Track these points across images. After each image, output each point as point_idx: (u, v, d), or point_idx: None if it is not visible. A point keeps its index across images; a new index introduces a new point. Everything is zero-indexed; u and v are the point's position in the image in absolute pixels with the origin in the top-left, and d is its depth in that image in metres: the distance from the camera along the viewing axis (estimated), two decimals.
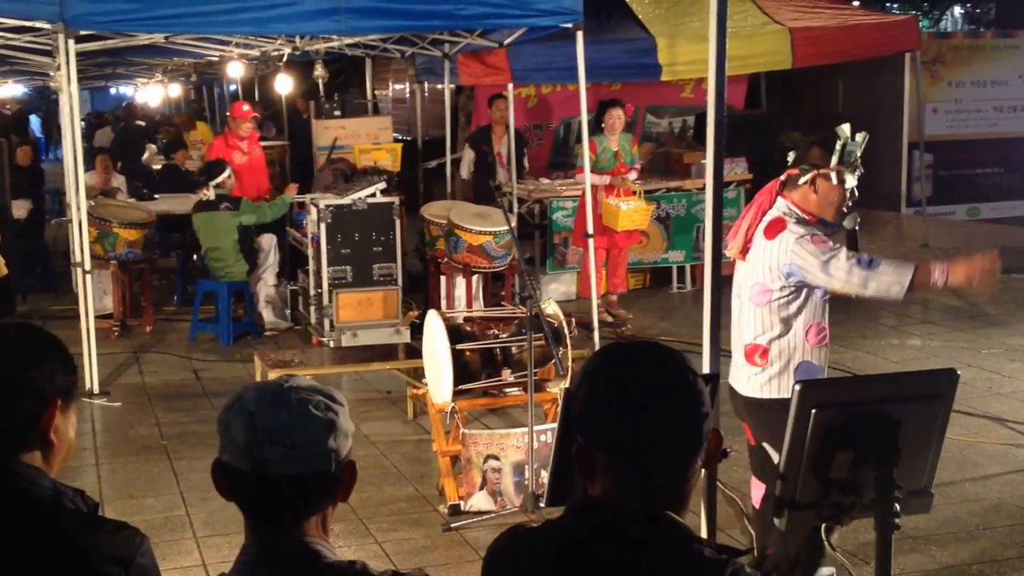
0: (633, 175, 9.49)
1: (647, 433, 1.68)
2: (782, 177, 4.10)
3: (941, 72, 13.71)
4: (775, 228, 4.00)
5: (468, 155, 10.51)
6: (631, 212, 9.22)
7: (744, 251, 4.09)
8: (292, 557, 1.81)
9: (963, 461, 6.00)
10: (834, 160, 4.00)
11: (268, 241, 9.34)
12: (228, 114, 10.51)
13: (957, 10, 28.72)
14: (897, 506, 2.50)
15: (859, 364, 8.02)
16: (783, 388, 4.00)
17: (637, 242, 9.88)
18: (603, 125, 9.30)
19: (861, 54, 11.04)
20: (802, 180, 4.03)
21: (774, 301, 4.01)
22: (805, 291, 4.00)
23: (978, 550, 4.95)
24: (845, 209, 4.08)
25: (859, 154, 4.04)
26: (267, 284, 9.28)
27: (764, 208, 4.09)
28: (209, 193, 9.12)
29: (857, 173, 4.05)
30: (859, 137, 4.03)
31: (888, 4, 23.99)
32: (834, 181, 4.00)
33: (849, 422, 2.47)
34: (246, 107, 10.43)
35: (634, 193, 9.40)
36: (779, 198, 4.08)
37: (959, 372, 2.74)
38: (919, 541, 5.00)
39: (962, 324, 9.19)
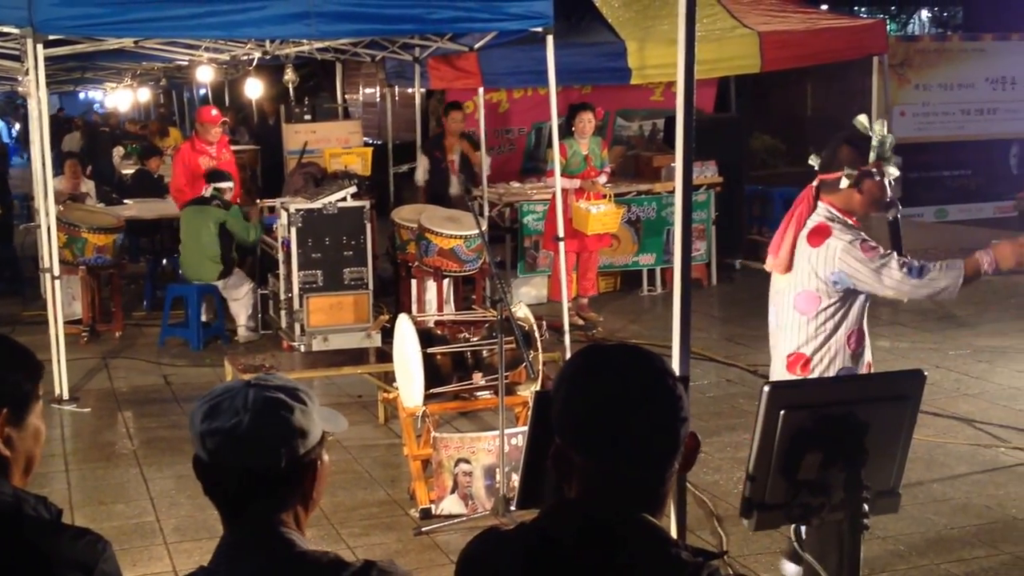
0: (603, 179, 9.52)
1: (625, 436, 1.68)
2: (814, 183, 4.02)
3: (908, 75, 13.83)
4: (820, 235, 3.91)
5: (423, 162, 10.45)
6: (601, 216, 9.25)
7: (787, 266, 4.00)
8: (264, 545, 1.83)
9: (931, 461, 6.05)
10: (872, 156, 3.92)
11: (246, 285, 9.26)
12: (197, 118, 10.44)
13: (924, 14, 28.99)
14: (865, 506, 2.52)
15: None
16: None
17: (608, 245, 9.91)
18: (573, 129, 9.31)
19: (829, 58, 11.12)
20: (845, 184, 3.93)
21: (822, 311, 3.96)
22: (850, 298, 3.97)
23: (946, 550, 4.99)
24: (887, 199, 4.02)
25: (889, 145, 3.97)
26: (247, 304, 9.18)
27: (804, 216, 4.01)
28: (207, 190, 9.09)
29: (896, 161, 4.00)
30: (878, 127, 3.96)
31: (856, 8, 24.17)
32: (877, 177, 3.93)
33: (818, 423, 2.50)
34: (214, 111, 10.34)
35: (604, 196, 9.42)
36: (819, 203, 3.99)
37: (927, 373, 2.77)
38: (888, 541, 5.04)
39: (930, 326, 9.27)
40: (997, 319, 9.35)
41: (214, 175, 9.23)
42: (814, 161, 4.06)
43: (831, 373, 4.02)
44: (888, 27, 14.43)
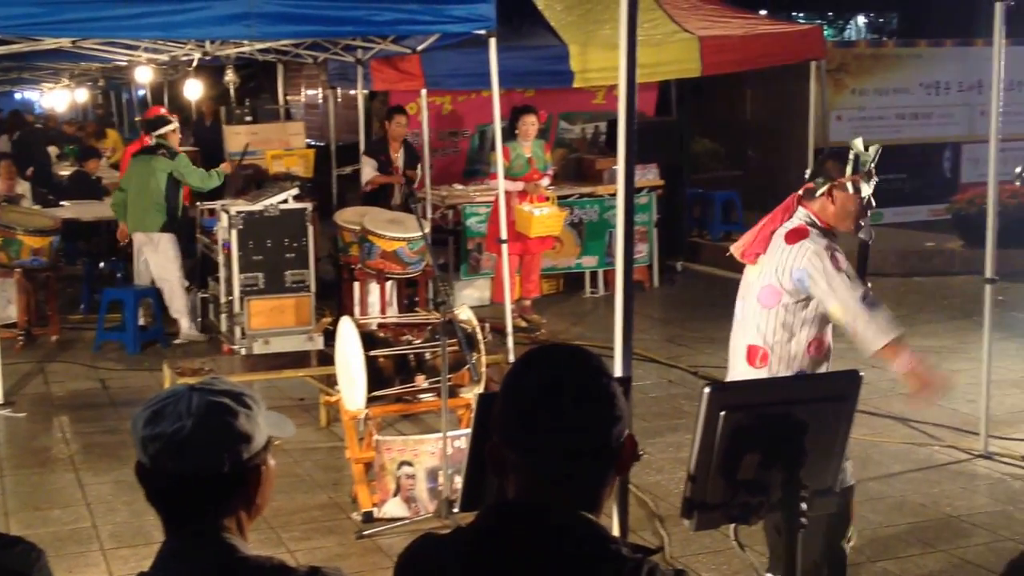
0: (546, 181, 9.56)
1: (556, 434, 1.70)
2: (799, 192, 4.14)
3: (845, 80, 14.03)
4: (797, 235, 4.03)
5: (370, 163, 10.25)
6: (544, 218, 9.28)
7: (754, 255, 4.10)
8: (206, 551, 1.82)
9: (867, 460, 6.15)
10: (848, 170, 4.06)
11: (167, 241, 9.14)
12: (143, 118, 10.36)
13: (861, 19, 29.43)
14: (803, 505, 2.56)
15: None
16: None
17: (550, 247, 9.94)
18: (516, 132, 9.35)
19: (768, 62, 11.25)
20: (819, 192, 4.07)
21: (782, 305, 4.04)
22: (815, 303, 4.02)
23: (881, 547, 5.08)
24: (862, 222, 4.14)
25: (872, 164, 4.11)
26: (180, 291, 9.09)
27: (780, 217, 4.12)
28: (150, 140, 9.05)
29: (872, 182, 4.11)
30: (872, 149, 4.11)
31: (794, 13, 24.47)
32: (850, 190, 4.05)
33: (756, 424, 2.53)
34: (162, 111, 10.31)
35: (547, 199, 9.46)
36: (799, 207, 4.11)
37: (863, 374, 2.82)
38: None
39: None
40: (931, 320, 9.53)
41: (152, 123, 9.19)
42: (807, 172, 4.19)
43: (787, 373, 4.08)
44: (825, 32, 14.61)
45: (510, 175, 9.13)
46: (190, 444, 1.80)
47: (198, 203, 9.98)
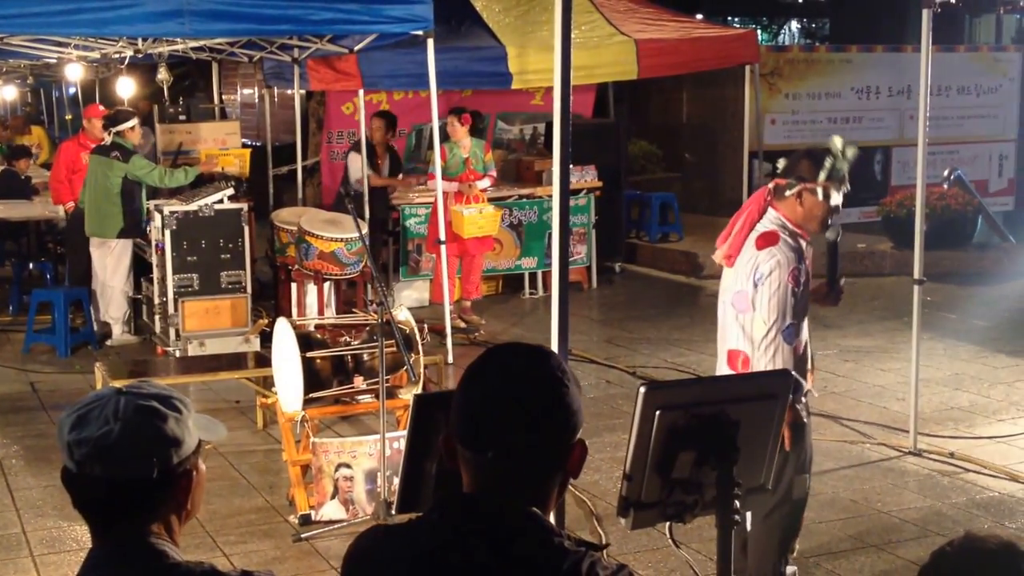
0: (486, 182, 9.56)
1: (506, 430, 1.72)
2: (770, 185, 4.09)
3: (779, 84, 14.21)
4: (768, 240, 4.00)
5: (355, 162, 9.93)
6: (475, 218, 9.31)
7: (731, 257, 4.07)
8: (135, 557, 1.79)
9: None
10: (822, 176, 3.98)
11: (121, 246, 8.98)
12: (84, 115, 10.20)
13: (794, 25, 29.84)
14: (737, 503, 2.60)
15: (704, 367, 8.25)
16: None
17: (490, 249, 9.95)
18: (447, 132, 9.45)
19: (703, 66, 11.37)
20: (789, 192, 4.01)
21: (748, 310, 4.00)
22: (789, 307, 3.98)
23: (814, 543, 5.15)
24: (830, 221, 4.09)
25: (847, 170, 4.04)
26: (119, 299, 8.93)
27: (753, 218, 4.06)
28: (107, 138, 8.83)
29: (843, 190, 4.06)
30: (850, 152, 4.03)
31: (729, 18, 24.75)
32: (820, 196, 3.99)
33: (691, 423, 2.56)
34: (102, 107, 10.16)
35: (479, 199, 9.49)
36: (769, 208, 4.05)
37: (795, 373, 2.86)
38: None
39: None
40: (862, 320, 9.69)
41: (112, 119, 8.98)
42: (781, 164, 4.12)
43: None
44: (759, 37, 14.80)
45: (447, 175, 9.13)
46: (118, 448, 1.78)
47: None
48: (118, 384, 1.91)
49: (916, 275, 6.35)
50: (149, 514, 1.82)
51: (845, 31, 21.46)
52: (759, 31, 19.93)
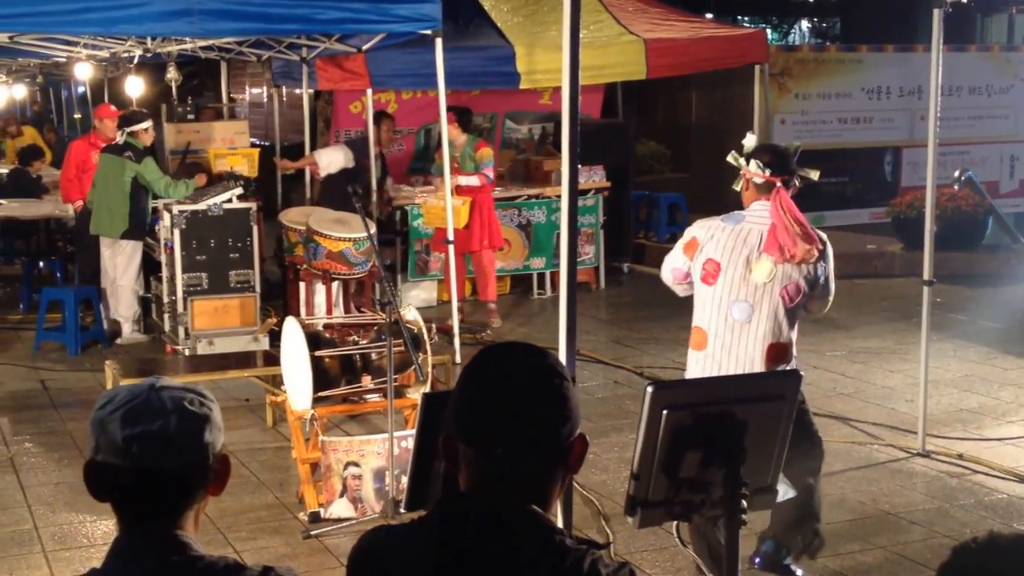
0: (471, 179, 9.47)
1: (505, 431, 1.73)
2: (778, 183, 4.31)
3: (788, 84, 14.19)
4: (813, 239, 4.29)
5: (345, 154, 9.91)
6: (436, 209, 9.25)
7: (786, 248, 4.24)
8: (161, 548, 1.82)
9: None
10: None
11: (131, 246, 9.01)
12: (95, 115, 10.23)
13: (804, 24, 29.78)
14: (744, 503, 2.60)
15: None
16: None
17: (496, 248, 9.90)
18: None
19: (712, 65, 11.35)
20: (792, 186, 4.38)
21: (801, 300, 4.31)
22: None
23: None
24: None
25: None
26: (129, 298, 8.96)
27: (795, 214, 4.30)
28: (120, 137, 8.87)
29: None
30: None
31: (739, 17, 24.72)
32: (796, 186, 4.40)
33: (698, 422, 2.56)
34: (113, 107, 10.19)
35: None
36: (787, 200, 4.31)
37: (803, 373, 2.87)
38: None
39: (807, 327, 9.48)
40: (871, 321, 9.68)
41: (126, 119, 9.02)
42: (761, 162, 4.37)
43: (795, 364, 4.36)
44: (769, 37, 14.78)
45: (439, 174, 9.23)
46: (177, 439, 1.81)
47: None
48: (129, 383, 1.93)
49: (926, 276, 6.34)
50: (186, 502, 1.86)
51: (856, 31, 21.41)
52: (769, 31, 19.91)
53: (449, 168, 9.31)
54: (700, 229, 4.37)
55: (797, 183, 4.37)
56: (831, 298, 4.44)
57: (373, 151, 9.92)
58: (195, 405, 1.84)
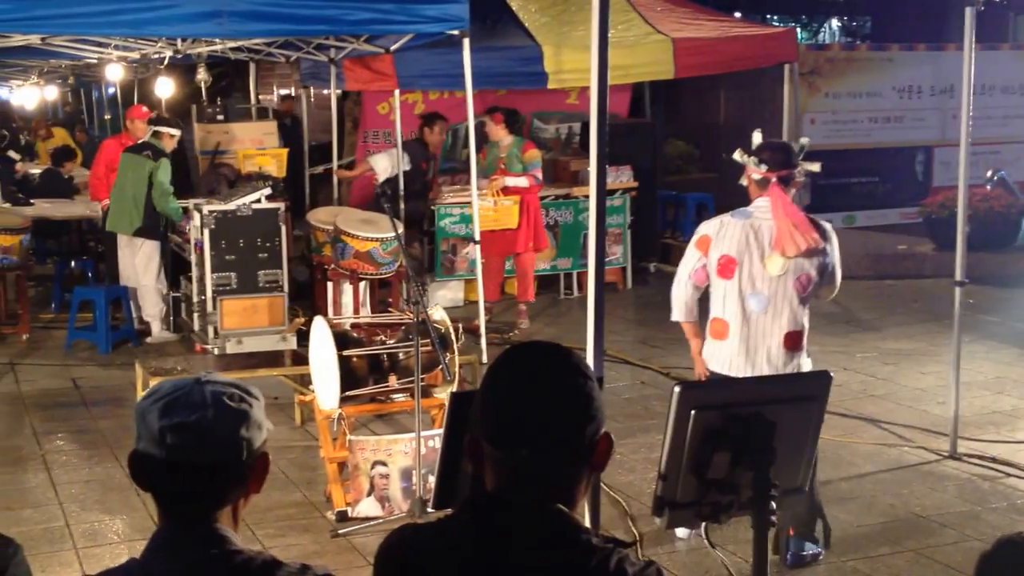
0: (520, 180, 9.45)
1: (530, 431, 1.73)
2: (774, 180, 4.58)
3: (818, 83, 14.11)
4: (816, 223, 4.60)
5: (401, 165, 9.88)
6: (487, 210, 9.26)
7: (792, 243, 4.49)
8: (200, 541, 1.83)
9: (838, 460, 6.19)
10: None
11: (150, 246, 9.08)
12: (127, 116, 10.34)
13: (834, 23, 29.59)
14: (773, 504, 2.58)
15: None
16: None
17: (525, 249, 9.83)
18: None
19: (741, 65, 11.29)
20: (793, 180, 4.65)
21: (813, 289, 4.62)
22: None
23: (852, 546, 5.11)
24: None
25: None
26: (154, 297, 9.03)
27: (787, 208, 4.56)
28: (146, 135, 9.00)
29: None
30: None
31: (768, 16, 24.59)
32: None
33: (727, 423, 2.54)
34: (145, 108, 10.29)
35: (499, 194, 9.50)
36: (786, 196, 4.55)
37: (833, 375, 2.84)
38: None
39: (837, 329, 9.48)
40: (902, 323, 9.60)
41: (158, 120, 9.14)
42: (753, 158, 4.67)
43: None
44: (799, 36, 14.70)
45: (484, 175, 9.24)
46: (213, 432, 1.83)
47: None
48: (158, 381, 1.93)
49: (958, 277, 6.28)
50: (224, 497, 1.87)
51: (887, 29, 21.27)
52: (798, 29, 19.76)
53: (495, 168, 9.34)
54: (710, 226, 4.68)
55: (799, 178, 4.63)
56: (838, 284, 4.70)
57: (429, 152, 9.92)
58: (235, 400, 1.86)
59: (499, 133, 9.43)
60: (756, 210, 4.60)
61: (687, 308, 4.77)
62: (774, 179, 4.56)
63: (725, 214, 4.69)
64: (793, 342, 4.56)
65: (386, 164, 9.87)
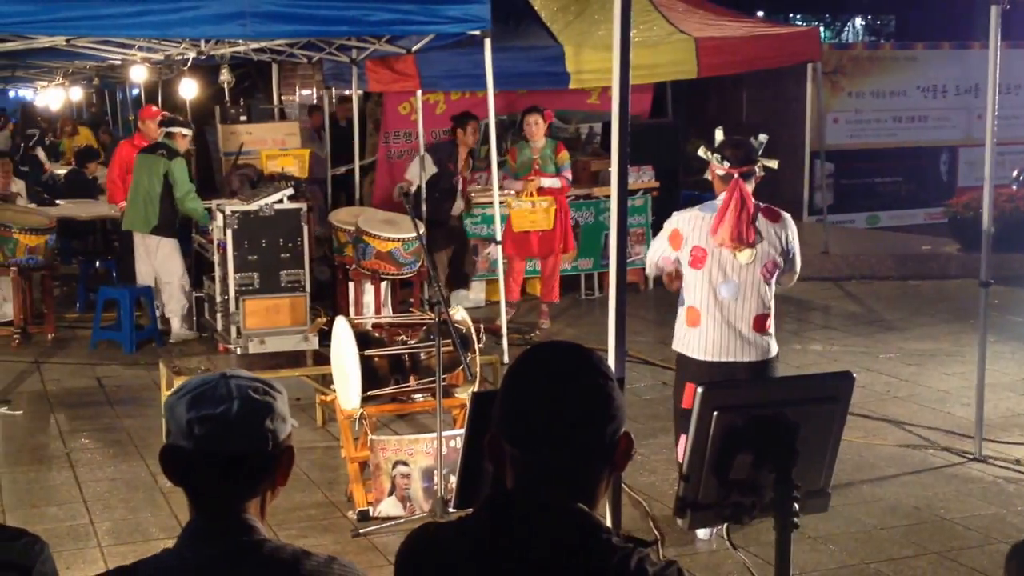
0: (554, 181, 9.38)
1: (549, 430, 1.74)
2: (736, 175, 4.87)
3: (842, 82, 14.05)
4: (775, 212, 4.95)
5: (429, 169, 9.76)
6: (525, 212, 9.24)
7: (738, 239, 4.79)
8: (230, 530, 1.87)
9: (861, 462, 6.16)
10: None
11: (169, 245, 9.12)
12: (138, 117, 10.40)
13: (858, 22, 29.44)
14: (796, 506, 2.57)
15: None
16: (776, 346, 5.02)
17: (549, 253, 9.71)
18: (523, 132, 9.33)
19: (764, 64, 11.26)
20: (754, 175, 4.96)
21: (777, 275, 4.94)
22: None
23: (875, 549, 5.08)
24: None
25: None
26: (178, 294, 9.08)
27: (748, 204, 4.82)
28: (159, 135, 9.07)
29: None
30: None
31: (791, 15, 24.50)
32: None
33: (749, 424, 2.53)
34: (155, 108, 10.34)
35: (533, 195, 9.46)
36: (746, 188, 4.84)
37: (856, 376, 2.83)
38: (818, 541, 5.12)
39: (861, 329, 9.43)
40: (927, 323, 9.54)
41: (170, 121, 9.21)
42: (722, 153, 4.99)
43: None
44: (822, 35, 14.63)
45: (515, 176, 9.26)
46: (238, 424, 1.86)
47: None
48: (182, 380, 1.96)
49: (983, 278, 6.23)
50: (252, 488, 1.91)
51: (911, 28, 21.16)
52: (821, 28, 19.68)
53: (528, 170, 9.25)
54: (681, 221, 4.97)
55: (759, 172, 4.95)
56: (798, 270, 5.04)
57: (461, 152, 9.81)
58: (259, 393, 1.90)
59: (538, 133, 9.29)
60: (714, 203, 4.92)
61: (657, 270, 5.19)
62: (736, 175, 4.85)
63: (695, 208, 4.99)
64: (761, 324, 4.89)
65: (415, 171, 9.83)
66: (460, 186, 9.86)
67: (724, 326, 4.84)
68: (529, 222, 9.28)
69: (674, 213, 5.07)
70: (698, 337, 4.89)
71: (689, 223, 4.92)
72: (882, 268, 11.62)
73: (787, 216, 4.99)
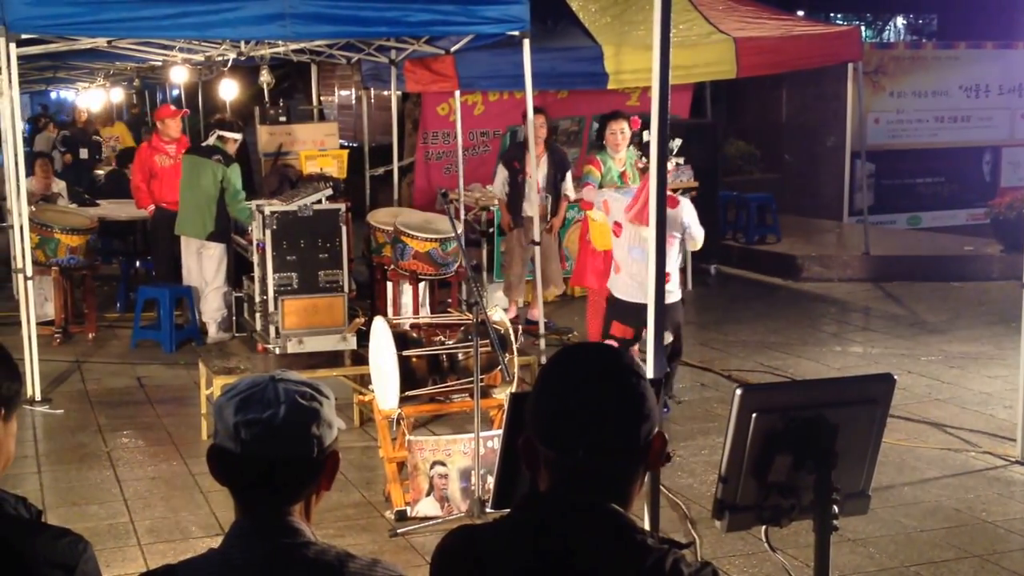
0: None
1: (584, 430, 1.74)
2: (640, 165, 7.04)
3: (883, 82, 13.92)
4: (674, 200, 6.56)
5: (501, 174, 9.43)
6: (604, 229, 7.68)
7: (640, 219, 6.37)
8: (276, 532, 1.88)
9: (902, 465, 6.10)
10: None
11: (219, 250, 9.19)
12: (155, 117, 10.45)
13: (900, 21, 29.16)
14: (835, 508, 2.54)
15: (800, 370, 8.13)
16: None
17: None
18: (604, 142, 8.47)
19: (804, 64, 11.19)
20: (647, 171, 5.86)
21: (680, 245, 6.78)
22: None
23: (916, 552, 5.04)
24: None
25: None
26: (219, 301, 9.15)
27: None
28: (210, 139, 9.10)
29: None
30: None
31: (831, 15, 24.30)
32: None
33: (788, 426, 2.51)
34: (172, 107, 10.38)
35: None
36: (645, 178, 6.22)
37: (897, 378, 2.80)
38: (858, 543, 5.08)
39: (902, 331, 9.34)
40: (969, 326, 9.43)
41: (221, 123, 9.24)
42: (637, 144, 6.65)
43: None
44: (863, 34, 14.51)
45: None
46: (285, 428, 1.87)
47: None
48: (221, 380, 1.97)
49: None
50: (297, 492, 1.91)
51: (953, 27, 20.94)
52: (863, 28, 19.50)
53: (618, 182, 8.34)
54: (609, 199, 6.99)
55: (670, 167, 5.68)
56: (699, 237, 6.82)
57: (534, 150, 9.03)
58: (306, 399, 1.90)
59: (625, 142, 8.35)
60: (634, 189, 6.85)
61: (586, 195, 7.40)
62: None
63: (615, 191, 7.28)
64: (670, 279, 6.34)
65: (497, 181, 9.56)
66: (537, 184, 9.05)
67: (636, 278, 6.61)
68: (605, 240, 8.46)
69: (602, 190, 7.47)
70: (620, 282, 6.87)
71: (613, 201, 6.92)
72: (924, 269, 11.50)
73: (684, 201, 6.83)
